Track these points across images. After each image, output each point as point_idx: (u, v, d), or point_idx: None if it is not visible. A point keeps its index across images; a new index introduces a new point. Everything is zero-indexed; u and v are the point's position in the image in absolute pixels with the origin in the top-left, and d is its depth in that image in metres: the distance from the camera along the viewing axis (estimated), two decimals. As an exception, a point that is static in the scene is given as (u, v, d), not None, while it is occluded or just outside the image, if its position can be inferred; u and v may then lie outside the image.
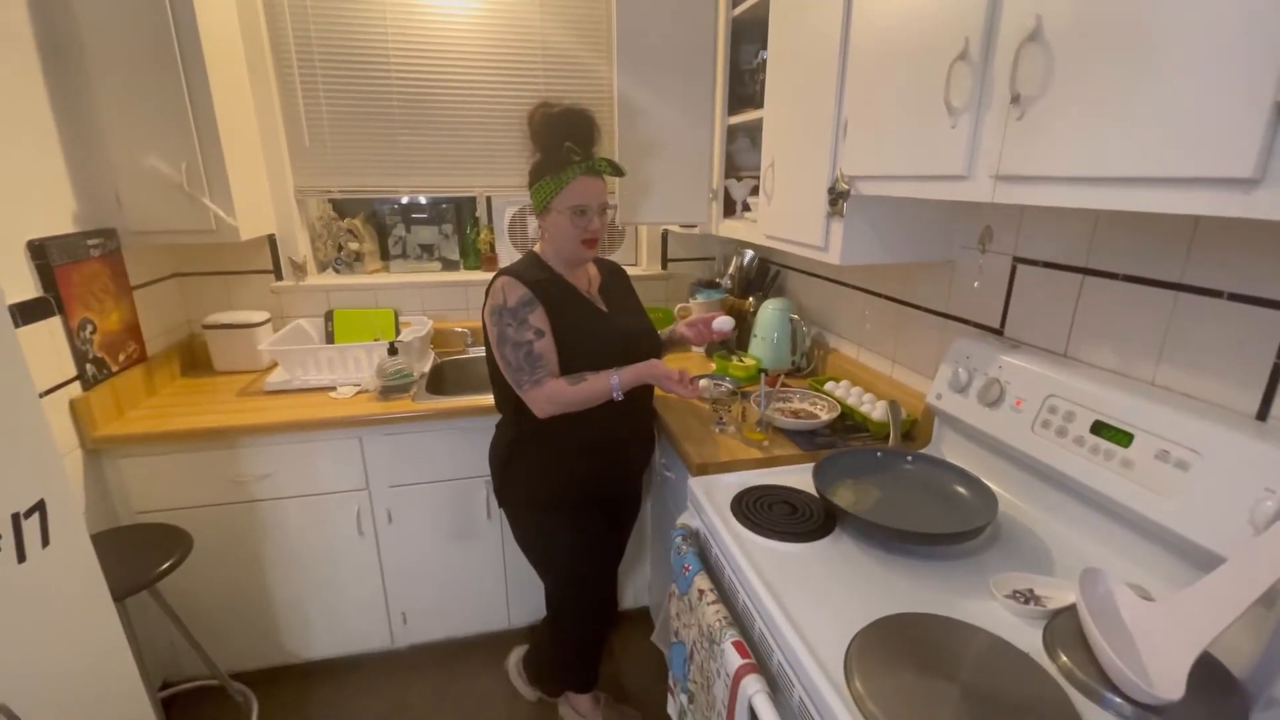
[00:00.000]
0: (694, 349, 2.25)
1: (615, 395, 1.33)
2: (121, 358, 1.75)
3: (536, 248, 1.45)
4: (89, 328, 1.63)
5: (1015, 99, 0.82)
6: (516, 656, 1.90)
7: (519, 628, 2.04)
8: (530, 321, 1.31)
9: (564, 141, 1.30)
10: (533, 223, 2.34)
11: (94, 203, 1.68)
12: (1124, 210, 0.72)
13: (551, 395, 1.31)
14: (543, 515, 1.49)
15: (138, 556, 1.39)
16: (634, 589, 2.12)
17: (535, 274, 1.36)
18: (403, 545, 1.86)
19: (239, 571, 1.76)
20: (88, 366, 1.62)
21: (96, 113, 1.63)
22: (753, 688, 0.83)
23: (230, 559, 1.75)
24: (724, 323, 1.54)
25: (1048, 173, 0.79)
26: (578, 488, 1.47)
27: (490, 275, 2.23)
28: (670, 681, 1.23)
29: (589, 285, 1.47)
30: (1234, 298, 0.88)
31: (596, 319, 1.42)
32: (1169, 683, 0.71)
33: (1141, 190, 0.68)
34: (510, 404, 1.41)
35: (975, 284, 1.31)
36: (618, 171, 1.37)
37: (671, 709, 1.22)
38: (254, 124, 1.96)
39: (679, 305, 2.28)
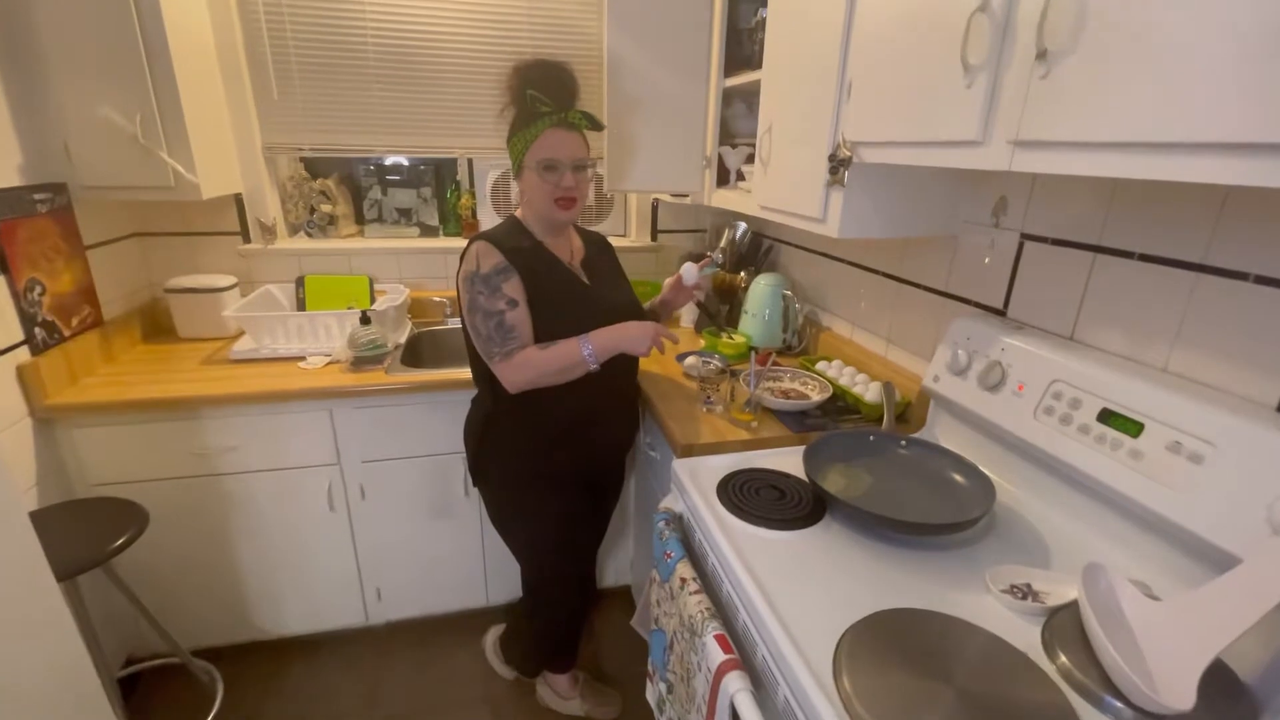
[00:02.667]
0: (682, 324, 2.18)
1: (590, 363, 1.23)
2: (75, 321, 1.65)
3: (518, 212, 1.37)
4: (37, 289, 1.53)
5: (1041, 54, 0.74)
6: (494, 635, 1.87)
7: (497, 605, 2.00)
8: (504, 290, 1.22)
9: (527, 88, 1.22)
10: (515, 187, 2.23)
11: (40, 155, 1.55)
12: (1154, 181, 0.65)
13: (520, 363, 1.23)
14: (519, 493, 1.43)
15: (89, 532, 1.31)
16: (615, 567, 2.08)
17: (514, 241, 1.27)
18: (377, 521, 1.79)
19: (204, 546, 1.70)
20: (37, 330, 1.52)
21: (42, 56, 1.50)
22: (735, 685, 0.78)
23: (195, 533, 1.67)
24: (689, 271, 1.47)
25: (1074, 138, 0.72)
26: (556, 465, 1.40)
27: (471, 242, 2.16)
28: (649, 667, 1.19)
29: (571, 256, 1.38)
30: (1260, 280, 0.82)
31: (578, 291, 1.34)
32: (1177, 691, 0.66)
33: (1185, 157, 0.61)
34: (485, 377, 1.33)
35: (986, 260, 1.24)
36: (596, 125, 1.27)
37: (650, 695, 1.18)
38: (217, 72, 1.83)
39: (667, 279, 2.19)
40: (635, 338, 1.25)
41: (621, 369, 1.40)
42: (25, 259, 1.49)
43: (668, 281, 1.57)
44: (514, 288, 1.23)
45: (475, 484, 1.49)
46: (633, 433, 1.56)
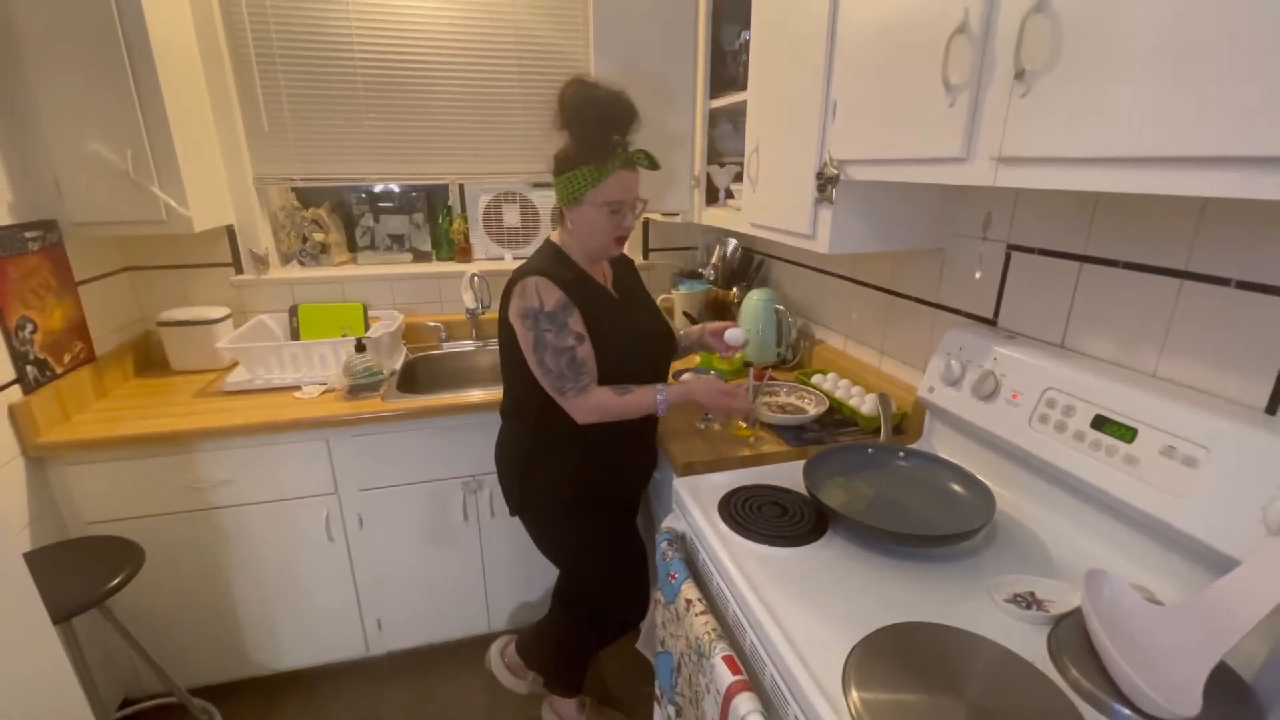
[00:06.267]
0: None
1: (659, 412, 1.29)
2: (67, 358, 1.64)
3: (554, 237, 1.35)
4: (28, 327, 1.52)
5: (1020, 74, 0.77)
6: (498, 648, 1.83)
7: (500, 631, 1.97)
8: (570, 326, 1.23)
9: (611, 132, 1.21)
10: (509, 211, 2.25)
11: (31, 192, 1.55)
12: (1134, 193, 0.67)
13: (597, 404, 1.25)
14: (575, 515, 1.41)
15: (84, 573, 1.29)
16: (618, 588, 2.07)
17: (564, 272, 1.26)
18: (375, 550, 1.78)
19: (200, 582, 1.67)
20: (28, 369, 1.51)
21: (32, 94, 1.51)
22: (745, 708, 0.78)
23: (191, 569, 1.65)
24: (734, 336, 1.44)
25: (1056, 154, 0.74)
26: (615, 486, 1.43)
27: (464, 266, 2.17)
28: (656, 690, 1.18)
29: (605, 280, 1.40)
30: (1242, 285, 0.84)
31: (621, 317, 1.35)
32: (1184, 696, 0.67)
33: (1162, 171, 0.63)
34: (533, 406, 1.32)
35: (977, 275, 1.26)
36: (654, 166, 1.27)
37: (658, 719, 1.17)
38: (207, 106, 1.84)
39: (661, 296, 2.21)
40: (704, 393, 1.32)
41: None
42: (16, 297, 1.49)
43: (714, 327, 1.52)
44: (577, 322, 1.24)
45: (518, 512, 1.46)
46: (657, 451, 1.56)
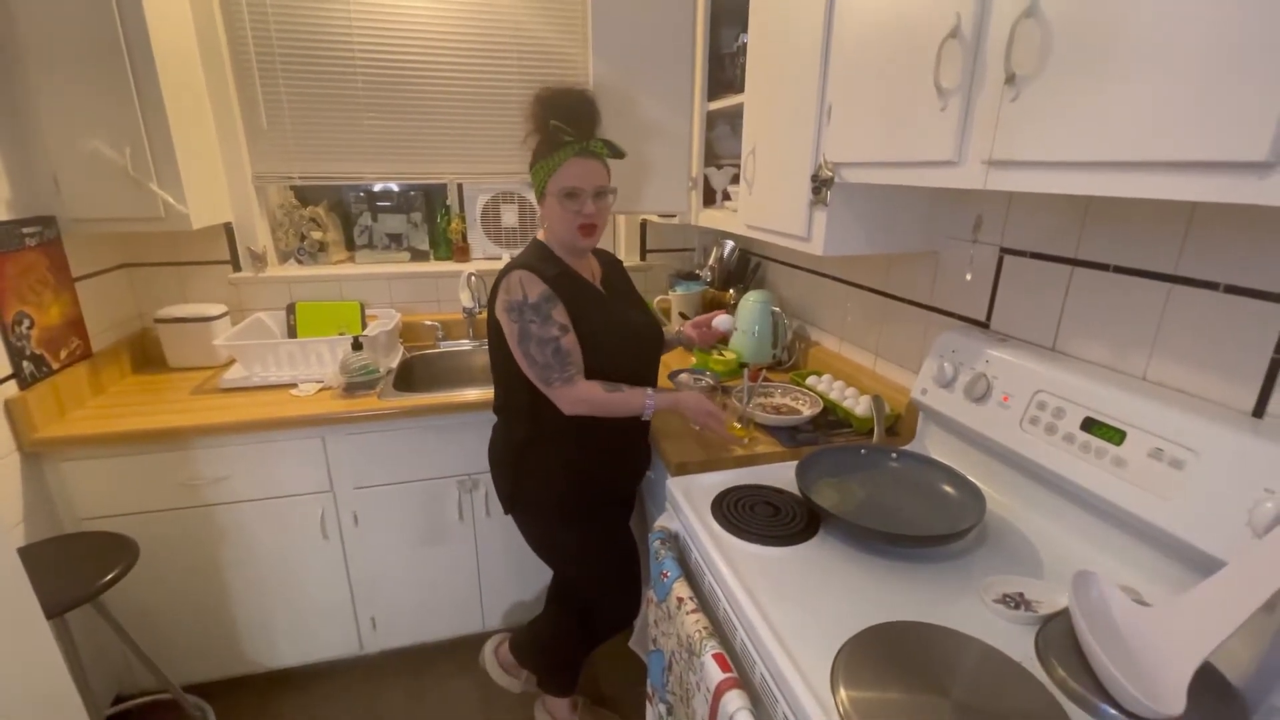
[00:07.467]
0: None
1: (645, 415, 1.30)
2: (64, 354, 1.64)
3: (540, 235, 1.38)
4: (25, 322, 1.52)
5: (1010, 79, 0.77)
6: (491, 647, 1.83)
7: (494, 630, 1.98)
8: (554, 317, 1.24)
9: (549, 118, 1.24)
10: (507, 211, 2.26)
11: (29, 188, 1.56)
12: (1124, 197, 0.67)
13: (583, 396, 1.26)
14: (571, 516, 1.41)
15: (79, 568, 1.30)
16: (613, 588, 2.07)
17: (549, 268, 1.28)
18: (370, 548, 1.78)
19: (195, 579, 1.67)
20: (24, 364, 1.51)
21: (32, 91, 1.51)
22: (734, 705, 0.79)
23: (186, 566, 1.65)
24: (724, 321, 1.51)
25: (1044, 157, 0.75)
26: (608, 483, 1.43)
27: (461, 266, 2.18)
28: (648, 689, 1.18)
29: (593, 277, 1.41)
30: (1230, 290, 0.85)
31: (607, 312, 1.36)
32: (1168, 696, 0.67)
33: (1147, 175, 0.64)
34: (524, 403, 1.33)
35: (968, 276, 1.26)
36: (616, 153, 1.30)
37: (650, 717, 1.17)
38: (206, 104, 1.85)
39: (658, 297, 2.22)
40: (692, 408, 1.32)
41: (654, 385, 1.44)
42: (13, 293, 1.49)
43: (697, 319, 1.59)
44: (561, 313, 1.25)
45: (511, 510, 1.46)
46: (649, 449, 1.56)
